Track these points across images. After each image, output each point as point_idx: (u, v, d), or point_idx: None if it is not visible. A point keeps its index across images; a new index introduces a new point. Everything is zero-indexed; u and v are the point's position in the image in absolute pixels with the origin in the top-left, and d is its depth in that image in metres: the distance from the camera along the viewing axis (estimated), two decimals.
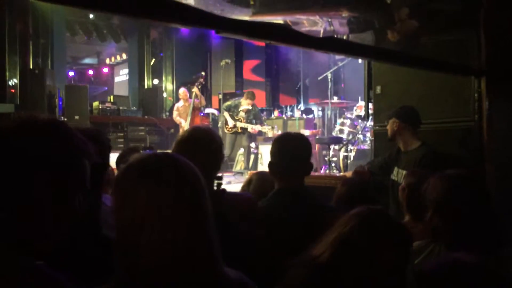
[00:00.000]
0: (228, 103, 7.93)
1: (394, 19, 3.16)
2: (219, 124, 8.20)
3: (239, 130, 7.56)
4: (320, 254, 1.30)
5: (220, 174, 1.99)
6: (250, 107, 7.63)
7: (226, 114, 7.72)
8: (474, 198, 1.77)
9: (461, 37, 3.14)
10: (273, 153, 2.13)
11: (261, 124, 7.64)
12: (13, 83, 8.56)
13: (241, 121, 7.54)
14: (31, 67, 8.79)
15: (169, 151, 1.96)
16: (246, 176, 5.56)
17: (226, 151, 7.37)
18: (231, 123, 7.63)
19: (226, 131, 7.66)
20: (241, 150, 7.73)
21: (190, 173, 1.02)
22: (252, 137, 7.74)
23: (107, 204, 1.73)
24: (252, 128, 7.48)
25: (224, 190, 1.90)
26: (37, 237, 0.88)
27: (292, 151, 2.06)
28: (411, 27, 3.06)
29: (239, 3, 3.49)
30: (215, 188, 1.88)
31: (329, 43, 1.94)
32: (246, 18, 3.78)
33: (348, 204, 2.21)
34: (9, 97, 8.34)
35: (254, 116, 7.66)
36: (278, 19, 3.71)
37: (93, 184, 1.02)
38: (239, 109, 7.68)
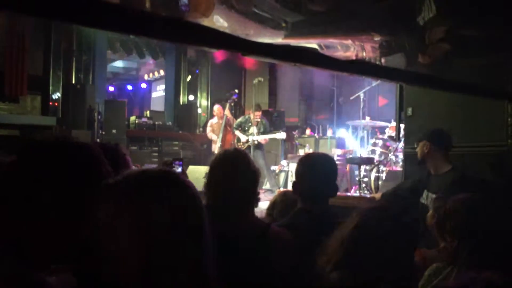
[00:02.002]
0: (238, 120, 8.06)
1: (425, 42, 3.17)
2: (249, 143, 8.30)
3: (252, 144, 7.56)
4: (329, 260, 1.35)
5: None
6: (259, 119, 7.72)
7: (237, 132, 7.86)
8: (496, 223, 1.76)
9: (493, 61, 3.11)
10: (297, 174, 2.13)
11: (270, 132, 7.72)
12: (56, 97, 8.97)
13: (253, 135, 7.61)
14: (73, 82, 9.20)
15: (202, 166, 1.98)
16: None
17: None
18: (243, 138, 7.73)
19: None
20: (273, 168, 7.80)
21: (187, 196, 0.96)
22: (265, 153, 7.81)
23: None
24: (264, 139, 7.57)
25: (269, 224, 1.87)
26: (48, 253, 0.91)
27: (317, 172, 2.04)
28: (443, 50, 3.06)
29: (272, 25, 3.57)
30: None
31: (354, 66, 1.98)
32: (279, 40, 3.86)
33: None
34: (51, 110, 8.73)
35: (264, 127, 7.71)
36: (311, 43, 3.76)
37: None
38: (249, 124, 7.77)
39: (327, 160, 2.17)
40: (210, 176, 1.81)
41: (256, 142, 7.57)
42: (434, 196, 3.03)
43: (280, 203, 2.53)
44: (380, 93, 9.31)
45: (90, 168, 0.97)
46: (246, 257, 1.14)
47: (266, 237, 1.68)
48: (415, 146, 3.27)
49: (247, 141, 7.68)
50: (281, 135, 7.58)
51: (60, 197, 0.91)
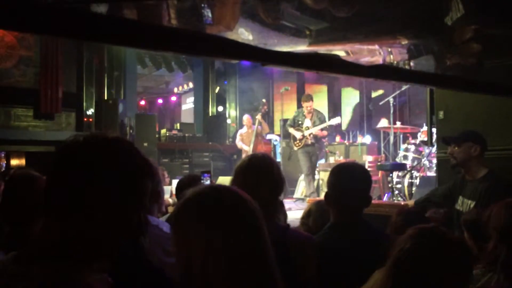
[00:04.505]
0: (290, 118, 7.56)
1: (454, 43, 3.09)
2: (279, 150, 8.22)
3: (310, 141, 6.97)
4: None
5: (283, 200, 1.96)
6: (312, 111, 7.12)
7: (291, 130, 7.25)
8: None
9: None
10: (329, 184, 2.06)
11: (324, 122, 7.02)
12: (90, 113, 9.23)
13: (308, 129, 6.96)
14: (105, 97, 9.45)
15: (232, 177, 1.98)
16: (306, 203, 5.51)
17: (304, 170, 7.06)
18: (298, 135, 7.10)
19: (295, 148, 7.20)
20: (302, 176, 7.68)
21: (249, 211, 1.04)
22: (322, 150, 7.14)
23: (164, 229, 1.82)
24: (321, 132, 6.90)
25: (288, 226, 1.87)
26: (96, 253, 0.91)
27: (349, 183, 1.98)
28: (473, 51, 2.97)
29: (296, 34, 3.56)
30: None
31: (377, 71, 1.95)
32: (303, 48, 3.85)
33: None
34: (85, 126, 8.99)
35: (319, 119, 7.06)
36: (337, 49, 3.71)
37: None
38: (303, 117, 7.16)
39: (359, 170, 2.11)
40: (233, 180, 1.81)
41: (312, 137, 6.92)
42: (469, 201, 2.92)
43: (315, 213, 2.53)
44: (411, 97, 9.13)
45: (132, 160, 0.96)
46: None
47: (286, 243, 1.66)
48: (453, 147, 3.08)
49: (303, 136, 7.04)
50: (336, 119, 7.05)
51: (111, 189, 0.90)
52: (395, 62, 4.00)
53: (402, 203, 4.87)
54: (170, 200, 3.22)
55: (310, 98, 7.27)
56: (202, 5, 2.49)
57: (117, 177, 0.91)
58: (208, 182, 2.44)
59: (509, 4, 2.80)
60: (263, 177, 1.74)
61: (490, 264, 1.79)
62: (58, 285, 0.83)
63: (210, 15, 2.69)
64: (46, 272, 0.84)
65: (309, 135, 6.95)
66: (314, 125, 6.99)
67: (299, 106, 11.57)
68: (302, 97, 7.38)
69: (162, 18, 2.55)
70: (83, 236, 0.89)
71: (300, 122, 7.17)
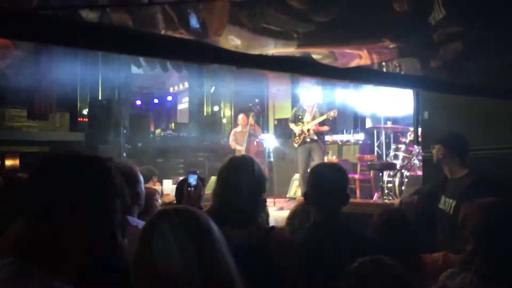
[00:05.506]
0: (292, 113, 7.10)
1: (437, 44, 3.14)
2: (270, 150, 8.15)
3: (309, 138, 6.49)
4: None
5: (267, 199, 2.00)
6: (309, 105, 6.70)
7: (291, 125, 6.84)
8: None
9: (505, 62, 3.06)
10: (308, 184, 2.16)
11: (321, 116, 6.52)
12: (85, 113, 9.26)
13: (307, 123, 6.50)
14: (100, 98, 9.47)
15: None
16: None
17: (299, 171, 6.76)
18: (297, 130, 6.65)
19: (295, 145, 6.76)
20: (295, 176, 7.73)
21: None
22: (323, 150, 6.58)
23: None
24: (321, 126, 6.40)
25: (272, 228, 1.92)
26: (62, 262, 0.98)
27: (327, 182, 2.06)
28: (454, 52, 3.03)
29: (283, 37, 3.61)
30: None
31: (355, 74, 2.01)
32: (292, 50, 3.90)
33: (383, 234, 2.21)
34: (80, 126, 9.02)
35: (319, 111, 6.57)
36: (325, 52, 3.76)
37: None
38: (304, 112, 6.73)
39: (336, 169, 2.18)
40: (216, 181, 1.88)
41: (312, 133, 6.45)
42: (451, 201, 2.99)
43: (301, 213, 2.55)
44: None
45: (104, 179, 1.03)
46: (245, 264, 1.18)
47: (267, 244, 1.72)
48: (431, 149, 3.21)
49: (302, 132, 6.58)
50: (332, 112, 6.53)
51: (76, 206, 0.97)
52: (384, 65, 4.06)
53: (388, 202, 4.94)
54: (159, 201, 3.27)
55: (308, 90, 6.91)
56: (188, 11, 2.54)
57: (84, 195, 0.98)
58: (194, 183, 2.46)
59: (490, 7, 2.87)
60: (243, 177, 1.80)
61: (466, 264, 1.84)
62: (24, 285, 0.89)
63: (197, 21, 2.74)
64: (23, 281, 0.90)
65: (308, 130, 6.51)
66: (313, 119, 6.56)
67: (294, 106, 11.65)
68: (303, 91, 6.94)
69: (156, 25, 2.59)
70: (49, 244, 0.95)
71: (300, 117, 6.76)
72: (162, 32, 2.65)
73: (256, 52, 3.25)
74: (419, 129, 3.97)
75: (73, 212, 0.97)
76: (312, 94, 6.88)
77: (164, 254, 1.05)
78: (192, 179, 2.41)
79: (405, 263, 1.42)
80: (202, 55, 1.44)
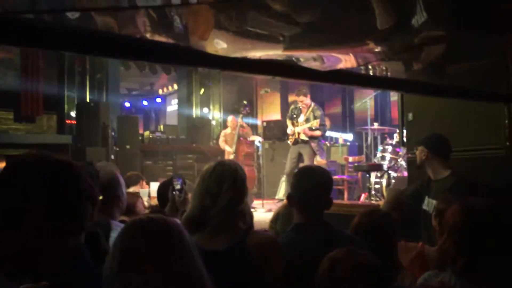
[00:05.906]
0: (290, 108, 6.96)
1: (417, 47, 3.19)
2: (259, 152, 8.17)
3: (300, 138, 6.38)
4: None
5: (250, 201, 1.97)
6: (305, 106, 6.52)
7: (288, 122, 6.73)
8: (493, 229, 1.75)
9: (488, 64, 3.10)
10: (292, 186, 2.15)
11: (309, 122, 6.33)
12: (72, 116, 9.19)
13: (300, 125, 6.34)
14: (87, 100, 9.42)
15: None
16: None
17: (286, 170, 6.70)
18: (289, 130, 6.59)
19: (289, 142, 6.77)
20: (284, 178, 7.74)
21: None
22: (314, 152, 6.38)
23: None
24: (304, 129, 6.21)
25: (250, 228, 1.89)
26: (30, 269, 0.97)
27: (309, 185, 2.06)
28: (435, 54, 3.07)
29: (269, 40, 3.62)
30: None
31: (342, 77, 2.03)
32: (278, 52, 3.92)
33: (366, 235, 2.22)
34: (67, 129, 8.96)
35: (313, 114, 6.40)
36: (311, 55, 3.78)
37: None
38: (299, 111, 6.59)
39: (320, 172, 2.18)
40: (197, 185, 1.86)
41: (303, 136, 6.32)
42: (434, 202, 3.03)
43: (283, 216, 2.54)
44: (390, 99, 9.27)
45: (71, 183, 1.02)
46: (222, 269, 1.19)
47: (245, 245, 1.72)
48: (415, 150, 3.26)
49: (293, 133, 6.48)
50: (316, 122, 6.29)
51: (42, 212, 0.96)
52: (370, 67, 4.09)
53: (374, 203, 4.98)
54: (146, 204, 3.27)
55: (301, 92, 6.66)
56: (172, 14, 2.55)
57: (50, 199, 0.97)
58: (179, 186, 2.44)
59: (471, 11, 2.91)
60: (223, 188, 1.78)
61: (441, 264, 1.85)
62: None
63: (181, 25, 2.74)
64: None
65: (297, 133, 6.42)
66: (306, 122, 6.41)
67: (284, 108, 11.70)
68: (297, 91, 6.80)
69: (139, 28, 2.59)
70: (16, 253, 0.94)
71: (295, 116, 6.68)
72: (148, 36, 2.66)
73: (242, 55, 3.26)
74: (404, 131, 4.01)
75: (39, 219, 0.95)
76: (304, 97, 6.76)
77: (135, 262, 1.05)
78: (177, 183, 2.40)
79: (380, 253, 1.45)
80: (187, 58, 1.45)
